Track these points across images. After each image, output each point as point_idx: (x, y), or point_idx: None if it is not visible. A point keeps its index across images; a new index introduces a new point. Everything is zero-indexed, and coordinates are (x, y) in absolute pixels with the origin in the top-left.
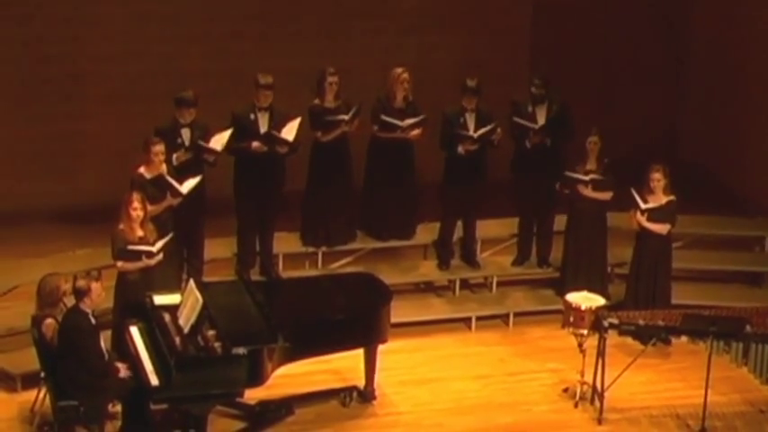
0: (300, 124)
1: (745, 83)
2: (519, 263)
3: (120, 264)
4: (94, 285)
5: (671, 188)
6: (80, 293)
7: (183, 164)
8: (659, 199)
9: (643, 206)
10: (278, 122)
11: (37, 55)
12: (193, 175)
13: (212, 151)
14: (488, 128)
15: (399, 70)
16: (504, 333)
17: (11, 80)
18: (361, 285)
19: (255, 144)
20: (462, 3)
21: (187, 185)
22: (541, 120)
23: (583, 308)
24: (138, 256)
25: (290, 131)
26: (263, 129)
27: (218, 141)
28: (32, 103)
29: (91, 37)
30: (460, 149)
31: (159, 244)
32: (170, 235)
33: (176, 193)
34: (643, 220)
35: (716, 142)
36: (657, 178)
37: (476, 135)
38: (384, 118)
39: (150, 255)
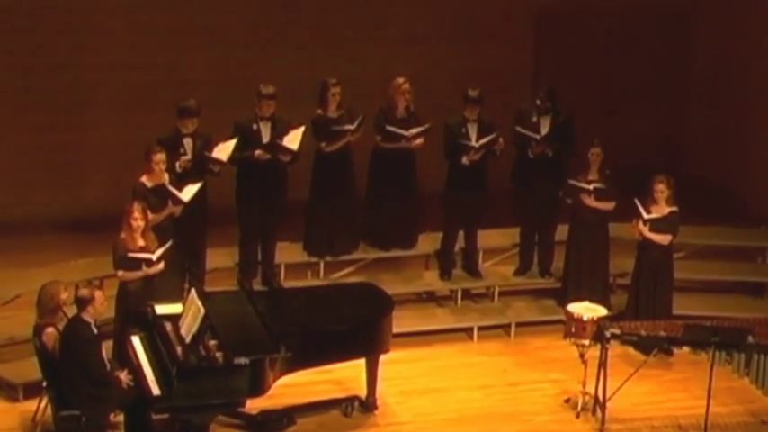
0: (303, 133)
1: (748, 93)
2: (521, 273)
3: (120, 273)
4: (98, 294)
5: (674, 199)
6: (83, 302)
7: (186, 171)
8: (662, 210)
9: (646, 216)
10: (281, 132)
11: (40, 64)
12: (194, 182)
13: (218, 161)
14: (490, 137)
15: (401, 80)
16: (506, 343)
17: (14, 89)
18: (362, 295)
19: (258, 152)
20: (465, 13)
21: (188, 192)
22: (545, 130)
23: (585, 318)
24: (138, 264)
25: (293, 140)
26: (265, 138)
27: (223, 151)
28: (35, 113)
29: (94, 47)
30: (465, 160)
31: (159, 252)
32: (169, 243)
33: (177, 201)
34: (645, 230)
35: (718, 152)
36: (661, 189)
37: (477, 144)
38: (389, 128)
39: (150, 263)
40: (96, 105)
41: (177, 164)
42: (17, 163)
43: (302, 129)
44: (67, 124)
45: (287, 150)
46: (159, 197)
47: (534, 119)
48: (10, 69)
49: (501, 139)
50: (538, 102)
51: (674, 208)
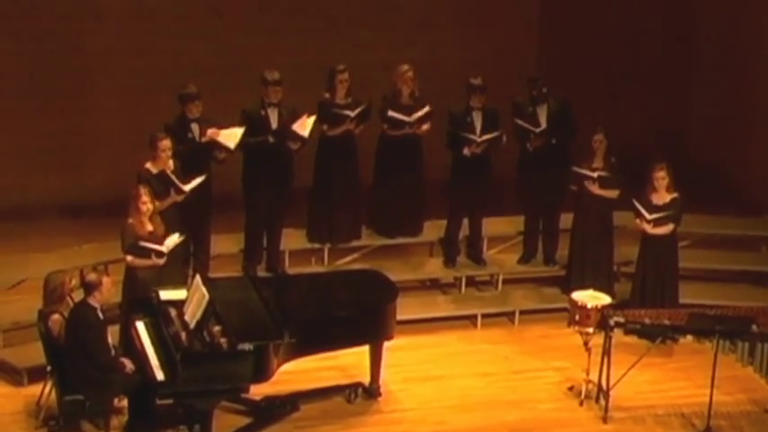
0: (314, 121)
1: (751, 81)
2: (525, 261)
3: (129, 258)
4: (105, 280)
5: (674, 186)
6: (90, 287)
7: (190, 153)
8: (663, 197)
9: (649, 217)
10: (287, 117)
11: (43, 49)
12: (199, 174)
13: (224, 148)
14: (493, 135)
15: (405, 68)
16: (510, 331)
17: (19, 75)
18: (367, 282)
19: (271, 139)
20: (470, 0)
21: (190, 184)
22: (543, 120)
23: (589, 306)
24: (147, 253)
25: (304, 127)
26: (274, 124)
27: (231, 139)
28: (40, 98)
29: (98, 32)
30: (466, 151)
31: (170, 244)
32: (182, 237)
33: (179, 190)
34: (649, 227)
35: (723, 141)
36: (662, 176)
37: (479, 140)
38: (392, 114)
39: (160, 254)
40: (99, 90)
41: (181, 147)
42: (20, 148)
43: (313, 118)
44: (72, 109)
45: (297, 136)
46: (163, 184)
47: (530, 109)
48: (13, 54)
49: (504, 137)
50: (533, 92)
51: (675, 195)
